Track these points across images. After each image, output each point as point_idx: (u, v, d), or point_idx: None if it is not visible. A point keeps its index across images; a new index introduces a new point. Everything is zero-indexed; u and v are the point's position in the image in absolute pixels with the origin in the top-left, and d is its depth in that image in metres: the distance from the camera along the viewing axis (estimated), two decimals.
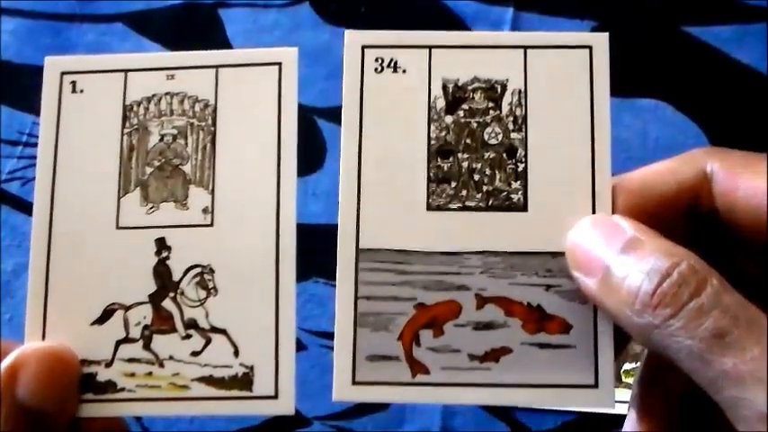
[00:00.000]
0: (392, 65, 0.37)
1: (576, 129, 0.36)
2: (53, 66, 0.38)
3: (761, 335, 0.29)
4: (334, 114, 0.62)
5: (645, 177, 0.35)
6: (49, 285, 0.36)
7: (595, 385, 0.35)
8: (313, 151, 0.67)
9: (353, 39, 0.37)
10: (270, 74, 0.37)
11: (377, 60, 0.37)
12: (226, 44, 0.73)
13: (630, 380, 0.58)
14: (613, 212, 0.35)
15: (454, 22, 0.73)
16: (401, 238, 0.36)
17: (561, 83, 0.36)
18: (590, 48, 0.36)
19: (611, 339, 0.35)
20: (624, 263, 0.32)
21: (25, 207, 0.69)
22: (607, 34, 0.36)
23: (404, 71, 0.37)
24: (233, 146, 0.37)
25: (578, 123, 0.36)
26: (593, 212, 0.35)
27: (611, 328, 0.35)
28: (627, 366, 0.60)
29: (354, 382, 0.35)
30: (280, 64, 0.37)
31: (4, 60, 0.73)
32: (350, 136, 0.36)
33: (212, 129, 0.37)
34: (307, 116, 0.67)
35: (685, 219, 0.35)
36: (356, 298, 0.35)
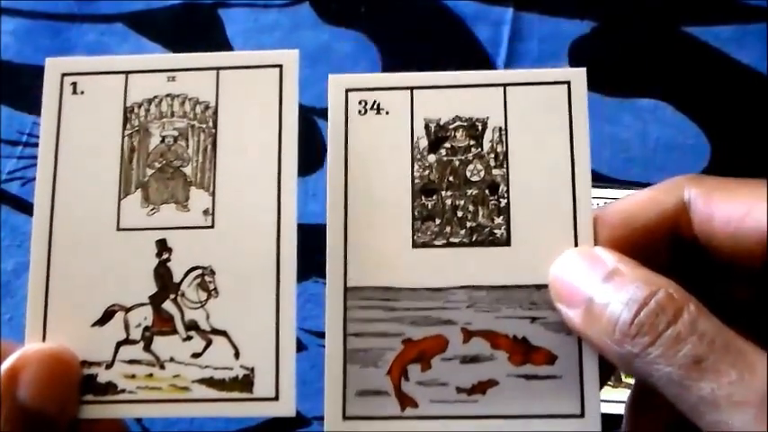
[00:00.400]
0: (375, 107, 0.38)
1: (556, 163, 0.37)
2: (54, 67, 0.38)
3: (736, 358, 0.29)
4: None
5: (626, 209, 0.36)
6: (50, 287, 0.36)
7: (581, 415, 0.35)
8: (313, 151, 0.67)
9: (337, 82, 0.38)
10: (271, 76, 0.37)
11: (360, 103, 0.38)
12: (226, 44, 0.73)
13: (630, 380, 0.58)
14: (595, 244, 0.35)
15: (454, 22, 0.73)
16: (388, 275, 0.36)
17: (540, 118, 0.37)
18: (568, 83, 0.37)
19: (596, 369, 0.35)
20: (605, 293, 0.33)
21: (25, 207, 0.69)
22: (584, 69, 0.37)
23: (387, 112, 0.38)
24: (234, 148, 0.37)
25: (558, 158, 0.37)
26: (576, 245, 0.36)
27: (596, 358, 0.35)
28: None
29: (345, 417, 0.35)
30: (281, 66, 0.37)
31: (4, 60, 0.73)
32: (336, 177, 0.37)
33: (213, 131, 0.37)
34: (307, 116, 0.67)
35: (667, 247, 0.35)
36: (345, 335, 0.36)
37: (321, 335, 0.63)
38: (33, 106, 0.71)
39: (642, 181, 0.66)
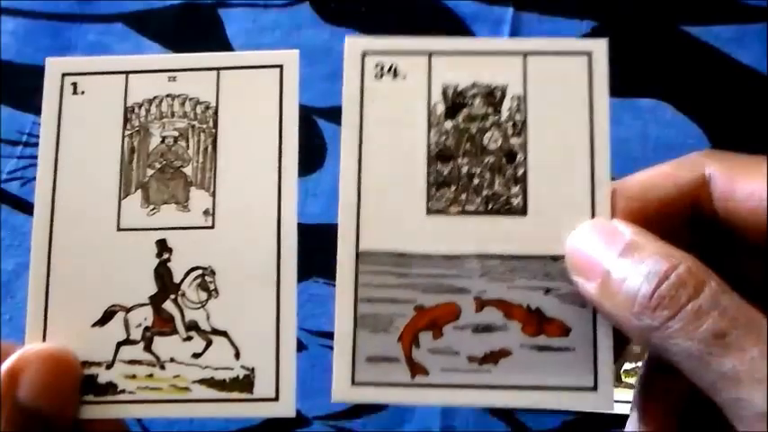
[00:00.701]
0: (392, 71, 0.37)
1: (575, 134, 0.36)
2: (54, 67, 0.38)
3: (759, 336, 0.29)
4: (334, 114, 0.62)
5: (644, 181, 0.35)
6: (50, 287, 0.36)
7: (594, 388, 0.35)
8: (313, 151, 0.67)
9: (353, 44, 0.37)
10: (271, 76, 0.37)
11: (377, 66, 0.37)
12: (226, 44, 0.73)
13: (631, 380, 0.58)
14: (613, 217, 0.35)
15: (454, 22, 0.73)
16: (401, 241, 0.36)
17: (560, 89, 0.37)
18: (589, 54, 0.36)
19: (611, 342, 0.35)
20: (623, 266, 0.32)
21: (25, 207, 0.68)
22: (606, 40, 0.37)
23: (404, 77, 0.37)
24: (234, 148, 0.37)
25: (577, 129, 0.36)
26: (593, 217, 0.35)
27: (611, 331, 0.35)
28: (627, 366, 0.60)
29: (354, 383, 0.35)
30: (281, 66, 0.38)
31: (4, 60, 0.73)
32: (350, 141, 0.37)
33: (213, 131, 0.37)
34: (307, 116, 0.67)
35: (685, 222, 0.35)
36: (356, 300, 0.36)
37: (321, 335, 0.63)
38: (33, 106, 0.71)
39: None
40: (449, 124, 0.37)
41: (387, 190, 0.36)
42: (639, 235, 0.33)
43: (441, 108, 0.37)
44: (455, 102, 0.37)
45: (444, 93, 0.37)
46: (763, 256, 0.34)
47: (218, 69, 0.38)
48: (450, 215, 0.36)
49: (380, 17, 0.73)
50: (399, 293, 0.36)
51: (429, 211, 0.36)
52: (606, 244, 0.33)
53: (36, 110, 0.68)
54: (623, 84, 0.70)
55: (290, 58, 0.38)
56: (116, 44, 0.73)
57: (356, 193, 0.36)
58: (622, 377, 0.60)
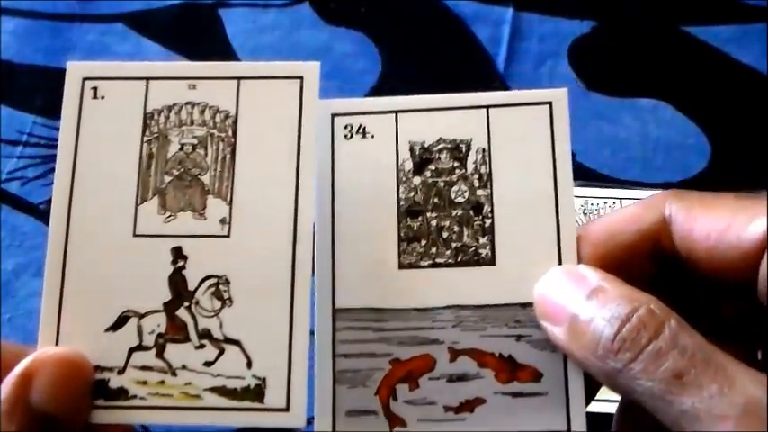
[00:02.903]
0: (361, 131, 0.38)
1: (539, 182, 0.37)
2: (75, 71, 0.38)
3: (717, 372, 0.30)
4: None
5: (608, 226, 0.36)
6: (64, 290, 0.36)
7: (568, 431, 0.35)
8: None
9: (323, 107, 0.38)
10: (291, 87, 0.37)
11: (346, 127, 0.38)
12: (225, 44, 0.73)
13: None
14: (579, 262, 0.36)
15: (454, 22, 0.73)
16: (375, 296, 0.37)
17: (523, 139, 0.37)
18: (550, 104, 0.37)
19: (582, 385, 0.36)
20: (589, 310, 0.33)
21: (25, 207, 0.68)
22: (565, 90, 0.38)
23: (372, 136, 0.38)
24: (252, 158, 0.37)
25: (541, 177, 0.37)
26: (560, 263, 0.36)
27: (581, 374, 0.36)
28: None
29: None
30: (301, 78, 0.37)
31: (4, 60, 0.72)
32: (323, 200, 0.37)
33: (232, 140, 0.37)
34: None
35: (650, 262, 0.36)
36: (334, 356, 0.36)
37: None
38: (33, 106, 0.71)
39: (642, 181, 0.66)
40: (417, 180, 0.38)
41: (360, 246, 0.37)
42: (605, 280, 0.34)
43: (409, 164, 0.38)
44: (422, 157, 0.38)
45: (411, 149, 0.38)
46: (723, 292, 0.35)
47: (238, 79, 0.38)
48: (422, 268, 0.37)
49: (380, 17, 0.73)
50: (376, 347, 0.36)
51: (401, 266, 0.37)
52: (573, 289, 0.34)
53: (36, 110, 0.69)
54: (623, 84, 0.70)
55: (311, 69, 0.38)
56: (116, 44, 0.73)
57: (330, 251, 0.37)
58: None
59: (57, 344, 0.36)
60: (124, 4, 0.74)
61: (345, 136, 0.38)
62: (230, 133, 0.37)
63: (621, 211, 0.37)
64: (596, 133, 0.68)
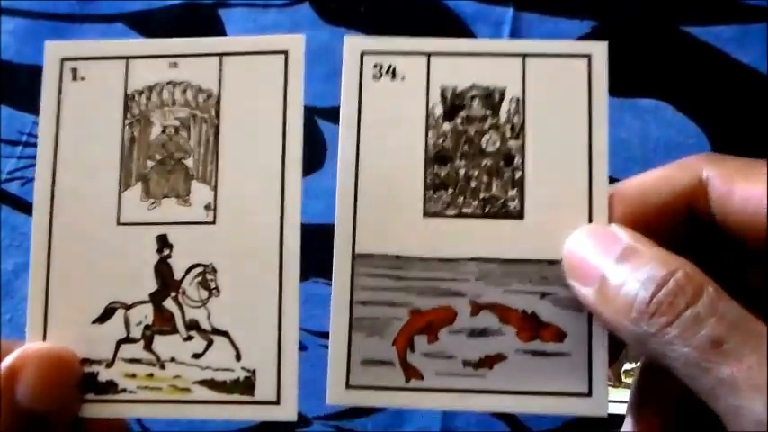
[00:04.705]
0: (390, 71, 0.37)
1: (573, 137, 0.36)
2: (54, 51, 0.37)
3: (757, 343, 0.29)
4: (334, 114, 0.62)
5: (641, 185, 0.35)
6: (50, 283, 0.36)
7: (589, 393, 0.35)
8: (313, 151, 0.67)
9: (352, 44, 0.37)
10: (276, 63, 0.36)
11: (375, 67, 0.37)
12: None
13: (630, 380, 0.58)
14: (610, 221, 0.35)
15: (454, 22, 0.73)
16: (397, 243, 0.36)
17: (559, 91, 0.36)
18: (589, 56, 0.36)
19: (606, 348, 0.35)
20: (620, 272, 0.32)
21: (25, 207, 0.68)
22: (606, 43, 0.36)
23: (402, 78, 0.37)
24: (236, 139, 0.36)
25: (576, 132, 0.36)
26: (590, 221, 0.35)
27: (606, 337, 0.35)
28: (627, 366, 0.60)
29: (348, 386, 0.35)
30: (286, 52, 0.36)
31: (4, 60, 0.73)
32: (348, 142, 0.36)
33: (215, 121, 0.36)
34: (307, 116, 0.67)
35: (683, 226, 0.35)
36: (351, 302, 0.36)
37: (321, 335, 0.63)
38: (33, 106, 0.71)
39: None
40: (447, 126, 0.37)
41: (384, 191, 0.36)
42: (637, 240, 0.33)
43: (439, 110, 0.37)
44: (453, 103, 0.37)
45: (443, 94, 0.37)
46: (761, 260, 0.34)
47: (220, 55, 0.37)
48: (447, 218, 0.36)
49: (380, 17, 0.73)
50: (395, 296, 0.36)
51: (426, 214, 0.36)
52: (604, 249, 0.33)
53: (36, 110, 0.69)
54: (623, 84, 0.70)
55: (296, 43, 0.37)
56: None
57: (353, 195, 0.36)
58: (622, 377, 0.60)
59: (44, 337, 0.35)
60: (124, 4, 0.74)
61: (374, 76, 0.37)
62: (213, 113, 0.37)
63: (655, 172, 0.36)
64: None
